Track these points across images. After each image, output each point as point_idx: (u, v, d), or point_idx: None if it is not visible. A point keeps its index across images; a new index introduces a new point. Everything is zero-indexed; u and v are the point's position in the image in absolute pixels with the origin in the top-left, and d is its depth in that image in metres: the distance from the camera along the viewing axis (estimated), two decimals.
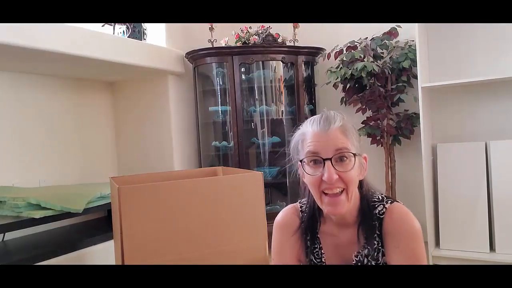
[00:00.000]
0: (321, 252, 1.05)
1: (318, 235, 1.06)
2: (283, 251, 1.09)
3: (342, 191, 0.95)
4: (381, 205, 1.01)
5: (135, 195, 1.41)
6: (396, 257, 0.97)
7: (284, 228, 1.10)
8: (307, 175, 0.97)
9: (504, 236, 2.15)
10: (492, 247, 2.21)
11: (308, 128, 0.98)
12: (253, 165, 2.67)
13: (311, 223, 1.06)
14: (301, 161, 0.98)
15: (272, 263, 1.11)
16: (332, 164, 0.93)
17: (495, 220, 2.18)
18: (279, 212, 1.15)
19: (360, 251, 1.01)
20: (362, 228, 1.01)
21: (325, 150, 0.94)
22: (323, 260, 1.05)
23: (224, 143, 2.68)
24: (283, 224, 1.10)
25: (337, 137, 0.94)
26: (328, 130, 0.95)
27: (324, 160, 0.94)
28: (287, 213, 1.12)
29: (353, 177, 0.95)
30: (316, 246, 1.06)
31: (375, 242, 1.00)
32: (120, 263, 1.44)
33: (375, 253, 1.00)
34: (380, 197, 1.04)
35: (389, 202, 1.02)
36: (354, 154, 0.95)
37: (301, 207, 1.11)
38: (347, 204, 0.96)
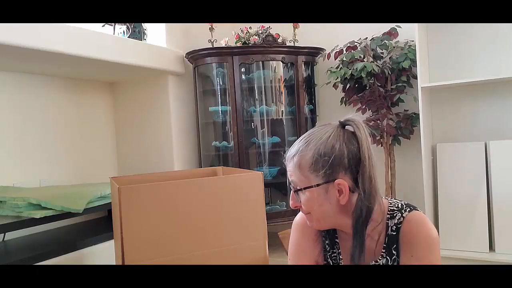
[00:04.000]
0: (339, 257, 1.04)
1: (337, 240, 1.05)
2: (300, 251, 1.08)
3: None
4: (399, 214, 0.98)
5: (135, 195, 1.41)
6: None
7: (303, 229, 1.08)
8: None
9: (504, 236, 2.16)
10: (491, 247, 2.21)
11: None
12: (253, 165, 2.67)
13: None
14: None
15: (289, 263, 1.09)
16: (295, 192, 0.98)
17: (495, 220, 2.18)
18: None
19: (378, 260, 0.99)
20: (379, 238, 0.99)
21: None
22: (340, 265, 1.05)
23: (224, 143, 2.68)
24: (302, 224, 1.08)
25: (289, 169, 0.98)
26: (286, 160, 0.98)
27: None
28: None
29: (311, 207, 0.97)
30: (334, 250, 1.05)
31: (394, 252, 0.98)
32: (120, 263, 1.44)
33: (394, 263, 0.98)
34: (399, 205, 1.00)
35: (407, 210, 0.98)
36: (297, 190, 0.97)
37: None
38: (313, 223, 0.99)
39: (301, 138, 0.99)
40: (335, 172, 0.92)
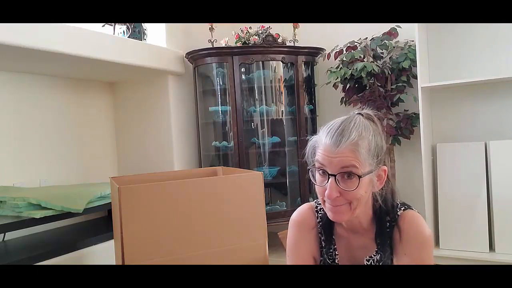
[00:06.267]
0: (335, 253, 1.06)
1: (334, 237, 1.07)
2: (298, 248, 1.09)
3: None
4: (393, 212, 1.01)
5: (135, 195, 1.41)
6: (403, 263, 0.97)
7: (300, 225, 1.10)
8: (315, 183, 0.98)
9: (504, 236, 2.16)
10: (491, 247, 2.21)
11: (322, 137, 0.95)
12: (253, 165, 2.67)
13: (327, 224, 1.07)
14: (310, 168, 0.99)
15: (287, 260, 1.11)
16: (336, 181, 0.92)
17: (494, 220, 2.18)
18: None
19: (373, 256, 1.01)
20: (374, 235, 1.01)
21: (331, 166, 0.92)
22: (336, 262, 1.06)
23: (224, 143, 2.68)
24: (299, 221, 1.10)
25: (346, 154, 0.91)
26: (338, 147, 0.91)
27: (329, 175, 0.92)
28: (303, 211, 1.12)
29: (357, 196, 0.93)
30: (331, 247, 1.07)
31: (388, 249, 1.00)
32: (120, 263, 1.44)
33: (388, 260, 1.00)
34: (395, 203, 1.03)
35: (402, 209, 1.02)
36: (359, 176, 0.91)
37: (316, 206, 1.11)
38: (349, 213, 0.95)
39: (337, 126, 0.94)
40: (383, 159, 0.98)
